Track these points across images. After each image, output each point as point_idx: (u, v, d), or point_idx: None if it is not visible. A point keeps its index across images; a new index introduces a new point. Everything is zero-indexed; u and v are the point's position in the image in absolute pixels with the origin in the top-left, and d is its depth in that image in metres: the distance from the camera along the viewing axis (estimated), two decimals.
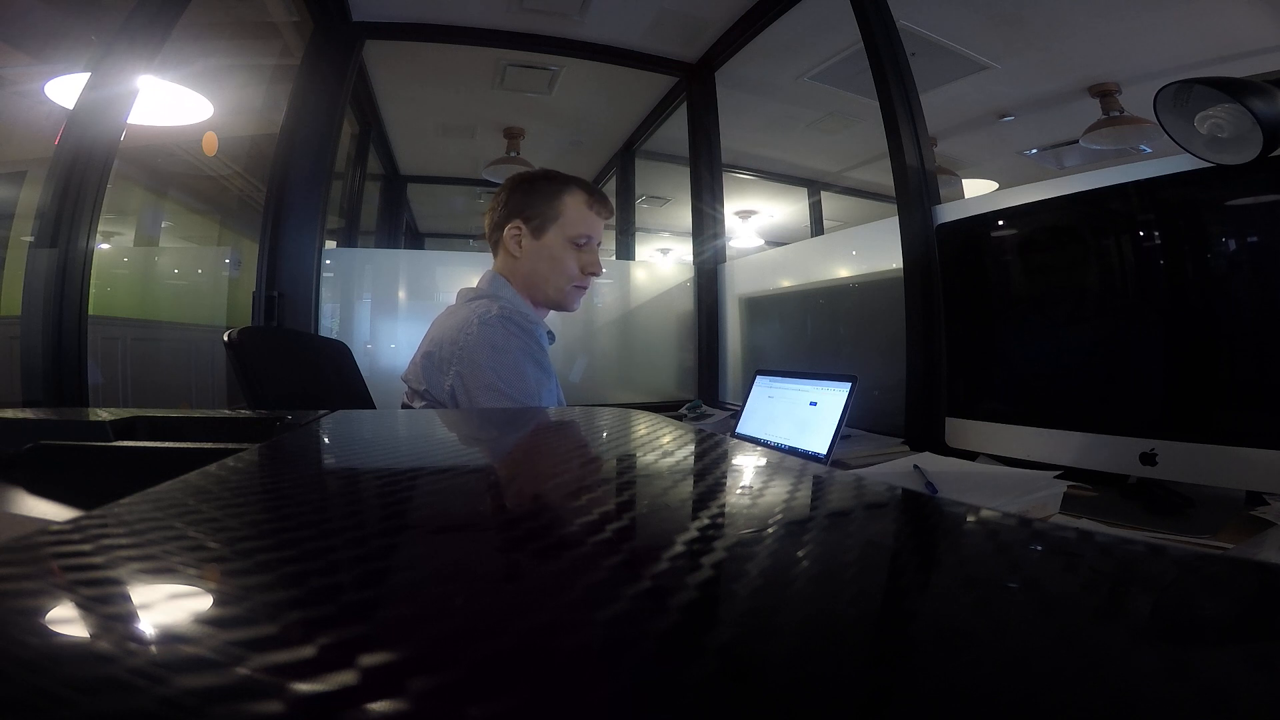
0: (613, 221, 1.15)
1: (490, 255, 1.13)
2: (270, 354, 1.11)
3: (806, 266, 1.88)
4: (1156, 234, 0.88)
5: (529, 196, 1.06)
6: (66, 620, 0.14)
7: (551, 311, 1.13)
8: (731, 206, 3.12)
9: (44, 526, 0.20)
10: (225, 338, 1.05)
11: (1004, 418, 1.04)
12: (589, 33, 2.14)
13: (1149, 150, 2.23)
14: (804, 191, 3.54)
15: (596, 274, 1.09)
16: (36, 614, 0.14)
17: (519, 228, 1.05)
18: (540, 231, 1.05)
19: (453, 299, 1.12)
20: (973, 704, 0.11)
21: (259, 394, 1.01)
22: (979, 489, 0.89)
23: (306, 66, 1.92)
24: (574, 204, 1.06)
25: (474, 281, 1.11)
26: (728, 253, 2.31)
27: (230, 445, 0.39)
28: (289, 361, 1.18)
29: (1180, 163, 0.87)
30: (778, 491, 0.28)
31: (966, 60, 2.19)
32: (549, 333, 1.07)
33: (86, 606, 0.15)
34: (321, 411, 0.56)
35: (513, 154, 2.94)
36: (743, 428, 1.34)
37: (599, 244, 1.10)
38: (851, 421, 1.14)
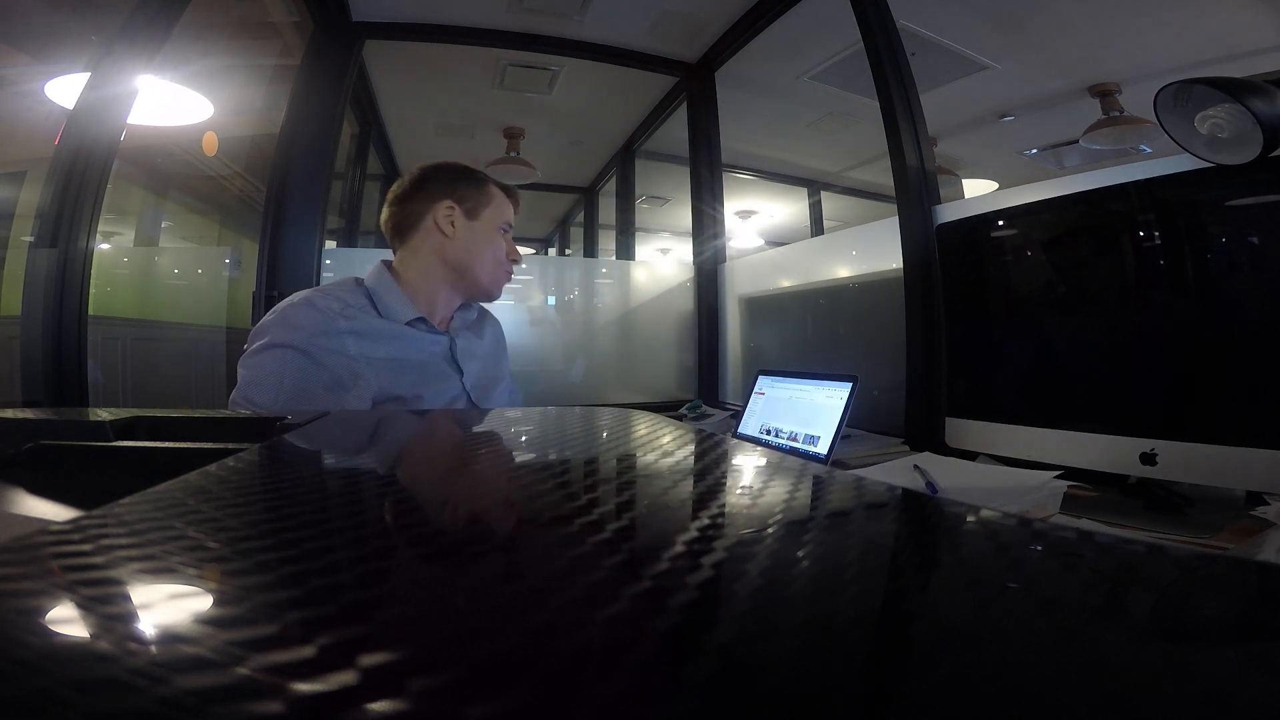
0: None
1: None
2: None
3: (806, 266, 1.87)
4: (1156, 234, 0.88)
5: (456, 180, 1.06)
6: (66, 620, 0.14)
7: (484, 302, 1.12)
8: (731, 206, 3.11)
9: (44, 526, 0.20)
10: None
11: (1004, 418, 1.04)
12: (589, 33, 2.14)
13: (1149, 150, 2.23)
14: (804, 191, 3.55)
15: (519, 261, 1.10)
16: (36, 614, 0.14)
17: (452, 207, 1.04)
18: (474, 214, 1.04)
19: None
20: (973, 704, 0.11)
21: None
22: (979, 489, 0.89)
23: (306, 66, 1.92)
24: (497, 193, 1.08)
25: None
26: (728, 253, 2.31)
27: (230, 445, 0.39)
28: None
29: (1180, 163, 0.87)
30: (778, 492, 0.28)
31: (966, 60, 2.19)
32: (449, 336, 1.03)
33: (86, 606, 0.15)
34: (321, 412, 0.56)
35: (513, 154, 2.94)
36: (744, 427, 1.35)
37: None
38: (852, 421, 1.14)
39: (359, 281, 1.02)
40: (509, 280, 1.11)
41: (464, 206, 1.04)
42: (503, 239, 1.08)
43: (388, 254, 1.10)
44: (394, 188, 1.08)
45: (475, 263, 1.05)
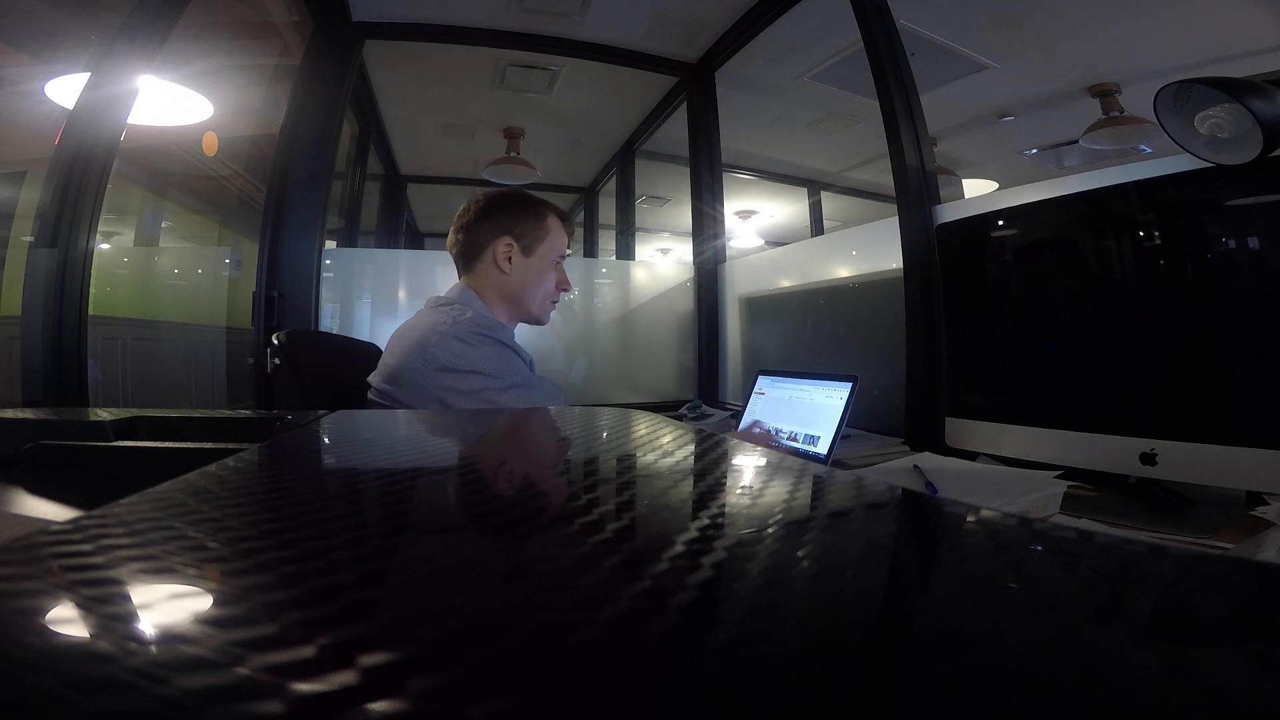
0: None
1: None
2: (318, 356, 1.15)
3: (806, 266, 1.87)
4: (1156, 234, 0.88)
5: (516, 215, 1.11)
6: (67, 620, 0.14)
7: (519, 325, 1.17)
8: (731, 206, 3.11)
9: (44, 526, 0.20)
10: (274, 340, 1.07)
11: (1004, 418, 1.04)
12: (589, 33, 2.14)
13: (1149, 150, 2.23)
14: (804, 191, 3.55)
15: (569, 290, 1.17)
16: (36, 614, 0.14)
17: (510, 244, 1.09)
18: (530, 250, 1.10)
19: None
20: (973, 704, 0.11)
21: (310, 398, 1.04)
22: (979, 489, 0.89)
23: (306, 66, 1.92)
24: (555, 226, 1.13)
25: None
26: (728, 253, 2.31)
27: (230, 445, 0.39)
28: (331, 363, 1.21)
29: (1180, 163, 0.87)
30: (778, 492, 0.28)
31: (966, 60, 2.19)
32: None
33: (86, 606, 0.15)
34: (321, 412, 0.56)
35: (512, 154, 2.94)
36: (744, 427, 1.34)
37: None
38: (851, 421, 1.14)
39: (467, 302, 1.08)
40: (555, 308, 1.17)
41: (521, 243, 1.10)
42: (554, 271, 1.13)
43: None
44: (460, 213, 1.13)
45: (527, 298, 1.11)
